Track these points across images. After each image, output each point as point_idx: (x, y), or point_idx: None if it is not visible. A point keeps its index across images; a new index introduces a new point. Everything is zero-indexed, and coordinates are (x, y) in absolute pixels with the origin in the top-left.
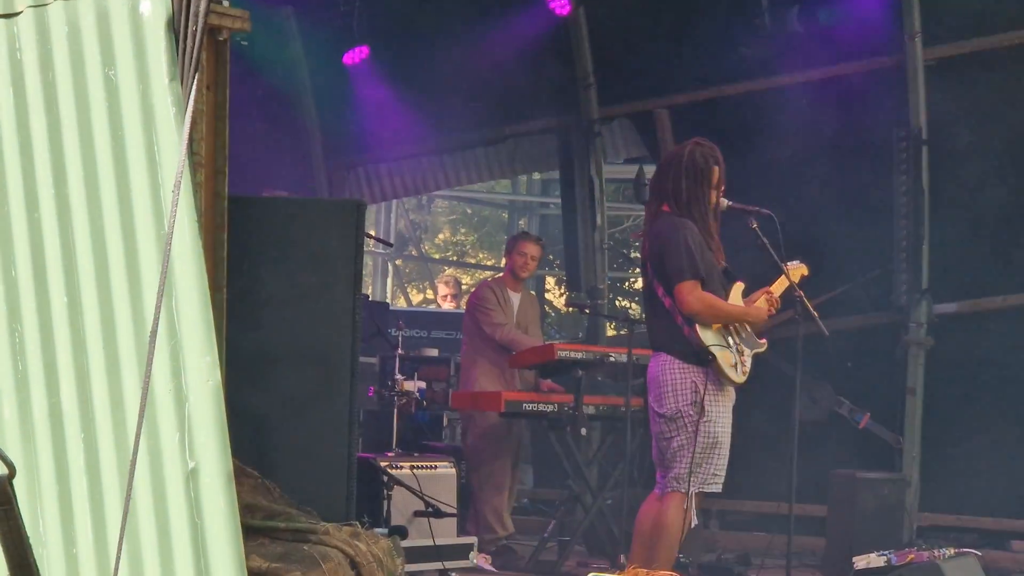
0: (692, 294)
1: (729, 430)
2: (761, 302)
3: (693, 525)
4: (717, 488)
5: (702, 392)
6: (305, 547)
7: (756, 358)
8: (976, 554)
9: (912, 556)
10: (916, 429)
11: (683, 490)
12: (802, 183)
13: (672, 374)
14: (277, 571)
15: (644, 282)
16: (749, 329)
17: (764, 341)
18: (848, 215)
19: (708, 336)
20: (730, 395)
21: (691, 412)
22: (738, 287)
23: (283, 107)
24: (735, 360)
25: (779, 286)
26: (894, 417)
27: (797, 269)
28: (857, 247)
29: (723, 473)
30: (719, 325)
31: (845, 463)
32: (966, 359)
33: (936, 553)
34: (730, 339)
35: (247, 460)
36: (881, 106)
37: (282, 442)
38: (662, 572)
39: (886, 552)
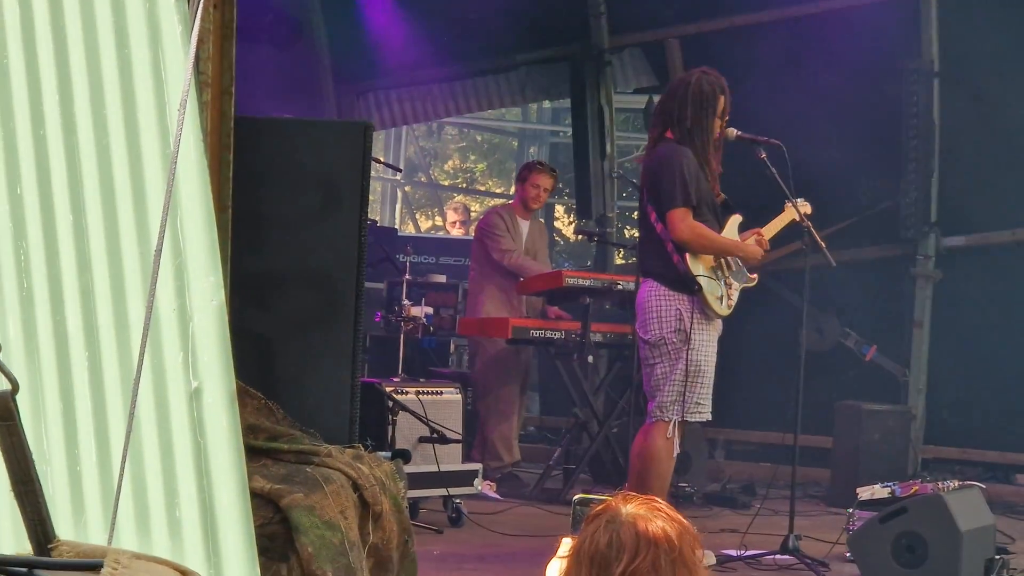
0: (683, 222)
1: (713, 360)
2: (751, 242)
3: (676, 454)
4: (700, 417)
5: (687, 320)
6: (308, 469)
7: (763, 289)
8: (980, 487)
9: (916, 488)
10: (922, 362)
11: (667, 418)
12: (812, 114)
13: (658, 300)
14: (280, 492)
15: (640, 207)
16: (740, 263)
17: (755, 276)
18: (858, 147)
19: (697, 266)
20: (716, 326)
21: (675, 339)
22: (735, 219)
23: (293, 31)
24: (721, 292)
25: (779, 221)
26: (900, 349)
27: (801, 206)
28: (866, 179)
29: (707, 402)
30: (709, 256)
31: (851, 395)
32: (973, 293)
33: (940, 485)
34: (719, 271)
35: (250, 382)
36: (893, 38)
37: (286, 364)
38: (649, 496)
39: (890, 484)
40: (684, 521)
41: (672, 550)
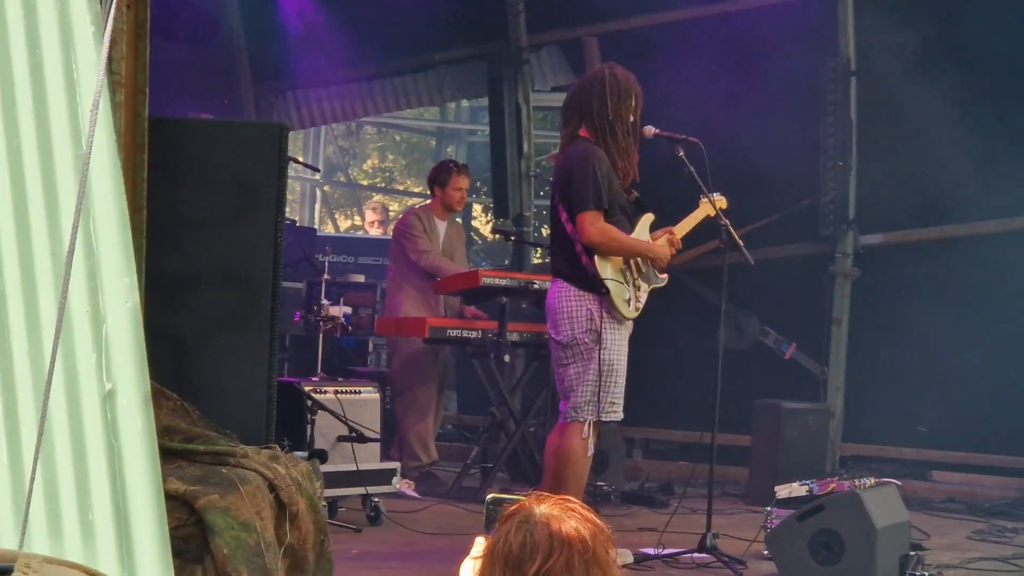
0: (593, 225)
1: (625, 359)
2: (662, 241)
3: (591, 454)
4: (615, 416)
5: (598, 320)
6: (224, 470)
7: (681, 287)
8: (896, 484)
9: (833, 486)
10: (841, 360)
11: (582, 418)
12: (731, 113)
13: (568, 301)
14: (195, 494)
15: (551, 206)
16: (651, 264)
17: (665, 276)
18: (776, 145)
19: (605, 268)
20: (628, 325)
21: (587, 339)
22: (647, 218)
23: (210, 29)
24: (629, 295)
25: (694, 218)
26: (819, 347)
27: (717, 200)
28: (784, 177)
29: (621, 401)
30: (618, 258)
31: (769, 393)
32: (891, 290)
33: (857, 483)
34: (628, 273)
35: (166, 383)
36: (811, 37)
37: (201, 365)
38: (564, 495)
39: (808, 481)
40: (598, 521)
41: (586, 550)
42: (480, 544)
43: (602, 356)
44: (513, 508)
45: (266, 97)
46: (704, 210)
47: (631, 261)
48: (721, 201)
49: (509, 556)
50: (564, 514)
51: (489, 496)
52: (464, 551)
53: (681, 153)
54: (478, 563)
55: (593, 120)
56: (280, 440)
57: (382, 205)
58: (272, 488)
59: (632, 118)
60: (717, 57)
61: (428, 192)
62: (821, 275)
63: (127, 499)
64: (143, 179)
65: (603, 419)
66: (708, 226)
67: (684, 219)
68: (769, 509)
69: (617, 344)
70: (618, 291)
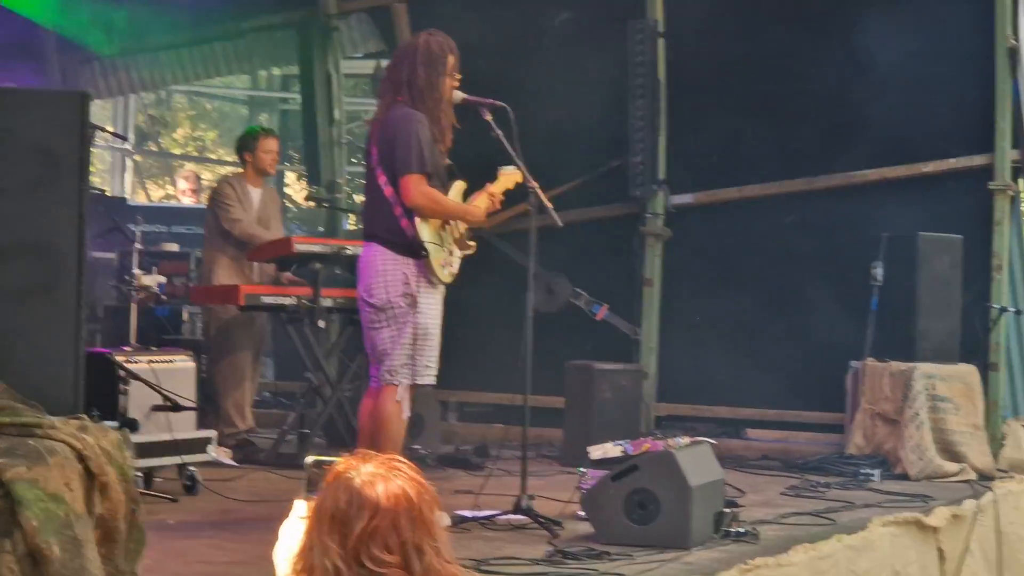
0: (418, 187)
1: (439, 322)
2: (482, 200)
3: (406, 417)
4: (429, 380)
5: (413, 284)
6: (31, 441)
7: (491, 251)
8: (710, 442)
9: (648, 446)
10: (653, 320)
11: (396, 382)
12: (539, 74)
13: (384, 264)
14: (1, 467)
15: (367, 169)
16: (463, 230)
17: (473, 244)
18: (586, 108)
19: (425, 231)
20: (440, 289)
21: (401, 303)
22: (459, 185)
23: None
24: (445, 260)
25: (501, 184)
26: (631, 308)
27: (512, 175)
28: (594, 138)
29: (435, 365)
30: (437, 222)
31: (583, 354)
32: (702, 250)
33: (671, 442)
34: (444, 238)
35: None
36: None
37: (5, 337)
38: (390, 455)
39: (622, 442)
40: (423, 481)
41: (412, 509)
42: (300, 506)
43: (417, 320)
44: (340, 468)
45: (72, 66)
46: (511, 174)
47: (447, 226)
48: (516, 175)
49: (336, 514)
50: (390, 473)
51: (310, 458)
52: (281, 517)
53: (489, 117)
54: (303, 523)
55: (405, 89)
56: (90, 411)
57: (194, 174)
58: (81, 459)
59: (446, 86)
60: (525, 21)
61: (239, 161)
62: (632, 236)
63: None
64: None
65: (417, 382)
66: (517, 189)
67: (496, 182)
68: (583, 470)
69: (431, 308)
70: (436, 255)
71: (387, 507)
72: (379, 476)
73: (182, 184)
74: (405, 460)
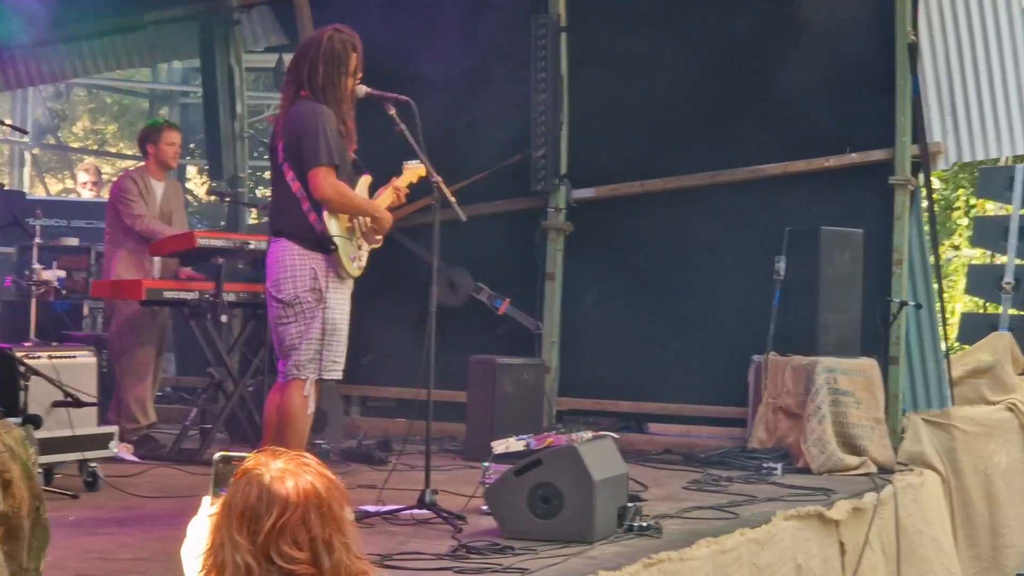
0: (326, 180)
1: (347, 318)
2: (388, 194)
3: (311, 412)
4: (337, 375)
5: (322, 279)
6: None
7: (394, 245)
8: (613, 437)
9: (550, 440)
10: (555, 314)
11: (303, 376)
12: (442, 68)
13: (292, 259)
14: None
15: (273, 164)
16: (370, 223)
17: (380, 237)
18: (488, 102)
19: (333, 225)
20: (348, 284)
21: (310, 299)
22: (365, 180)
23: None
24: (354, 254)
25: (405, 178)
26: (533, 303)
27: (416, 169)
28: (497, 133)
29: (342, 360)
30: (345, 216)
31: (485, 349)
32: (604, 244)
33: (574, 437)
34: (352, 232)
35: None
36: None
37: None
38: (299, 451)
39: (525, 436)
40: (332, 477)
41: (321, 505)
42: (207, 503)
43: (325, 315)
44: (248, 464)
45: None
46: (415, 169)
47: (355, 220)
48: (420, 169)
49: (246, 511)
50: (299, 469)
51: (217, 455)
52: (184, 514)
53: (393, 111)
54: (212, 520)
55: (306, 85)
56: None
57: (95, 167)
58: None
59: (350, 82)
60: (428, 14)
61: (141, 154)
62: (534, 230)
63: None
64: None
65: (324, 377)
66: (421, 183)
67: (400, 176)
68: (487, 464)
69: (339, 303)
70: (345, 248)
71: (296, 503)
72: (288, 472)
73: (83, 177)
74: (313, 456)
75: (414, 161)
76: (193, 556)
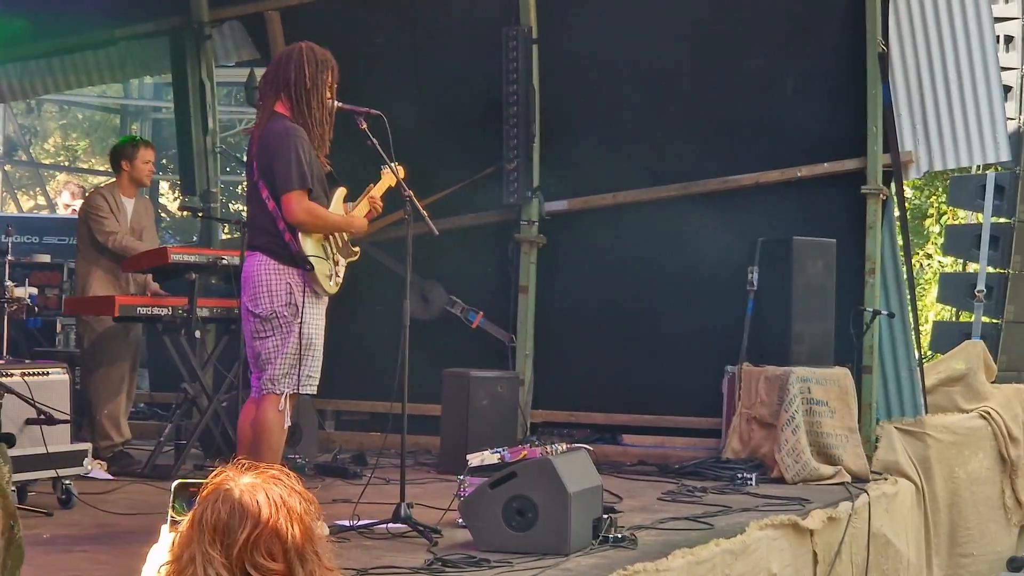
0: (299, 204)
1: (322, 333)
2: (364, 205)
3: (287, 427)
4: (312, 389)
5: (298, 294)
6: None
7: (367, 259)
8: (588, 449)
9: (525, 452)
10: (529, 327)
11: (279, 391)
12: (414, 84)
13: (268, 274)
14: None
15: (248, 181)
16: (346, 238)
17: (357, 250)
18: (460, 115)
19: (308, 245)
20: (324, 300)
21: (286, 313)
22: (341, 192)
23: None
24: (330, 271)
25: (380, 188)
26: (507, 315)
27: (396, 168)
28: (469, 147)
29: (318, 375)
30: (319, 234)
31: (459, 362)
32: (577, 256)
33: (548, 449)
34: (328, 249)
35: None
36: (492, 5)
37: None
38: (269, 464)
39: (500, 449)
40: (302, 489)
41: (293, 516)
42: (166, 532)
43: (302, 330)
44: (217, 479)
45: None
46: (387, 180)
47: (330, 236)
48: (399, 170)
49: (218, 525)
50: (269, 482)
51: (176, 482)
52: (159, 530)
53: (364, 125)
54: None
55: (290, 90)
56: None
57: (79, 186)
58: None
59: (328, 92)
60: (397, 28)
61: (113, 171)
62: (507, 243)
63: None
64: None
65: (300, 392)
66: (393, 197)
67: (373, 187)
68: (462, 477)
69: (316, 318)
70: (321, 267)
71: (268, 516)
72: (258, 486)
73: (66, 198)
74: (283, 468)
75: (394, 163)
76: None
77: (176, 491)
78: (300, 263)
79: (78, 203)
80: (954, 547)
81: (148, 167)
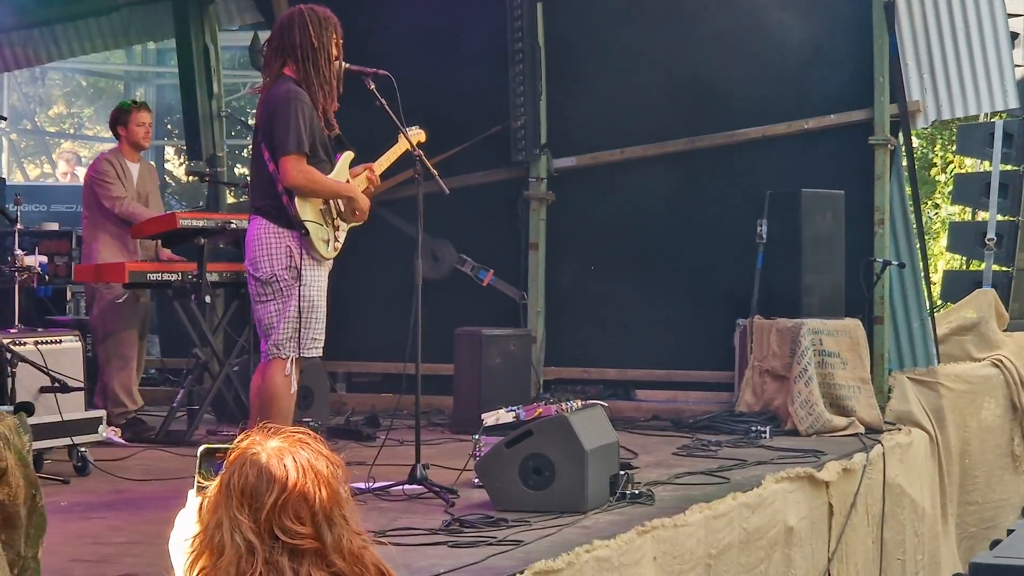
0: (295, 167)
1: (324, 295)
2: (362, 179)
3: (294, 391)
4: (317, 352)
5: (297, 257)
6: None
7: (377, 219)
8: (603, 405)
9: (540, 410)
10: (540, 284)
11: (284, 355)
12: (419, 43)
13: (268, 238)
14: None
15: (253, 143)
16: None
17: (361, 213)
18: (466, 73)
19: (305, 210)
20: (326, 263)
21: (286, 276)
22: (347, 156)
23: None
24: (328, 236)
25: (384, 162)
26: (517, 273)
27: (415, 135)
28: (476, 104)
29: (322, 337)
30: (318, 200)
31: (470, 321)
32: (586, 212)
33: (563, 406)
34: (327, 214)
35: None
36: None
37: None
38: (296, 428)
39: (514, 408)
40: (329, 452)
41: (320, 480)
42: (193, 497)
43: (302, 292)
44: (244, 444)
45: None
46: (403, 145)
47: (330, 201)
48: (420, 135)
49: (246, 490)
50: (296, 446)
51: (202, 447)
52: (174, 496)
53: (372, 87)
54: (204, 502)
55: (296, 52)
56: None
57: (74, 154)
58: None
59: (335, 51)
60: None
61: (113, 137)
62: (516, 200)
63: None
64: None
65: (304, 355)
66: (402, 157)
67: (383, 155)
68: (477, 437)
69: (317, 281)
70: (317, 232)
71: (296, 480)
72: (285, 450)
73: (63, 166)
74: (309, 431)
75: (414, 127)
76: (182, 548)
77: (202, 456)
78: (296, 226)
79: (80, 172)
80: (963, 495)
81: (144, 129)
